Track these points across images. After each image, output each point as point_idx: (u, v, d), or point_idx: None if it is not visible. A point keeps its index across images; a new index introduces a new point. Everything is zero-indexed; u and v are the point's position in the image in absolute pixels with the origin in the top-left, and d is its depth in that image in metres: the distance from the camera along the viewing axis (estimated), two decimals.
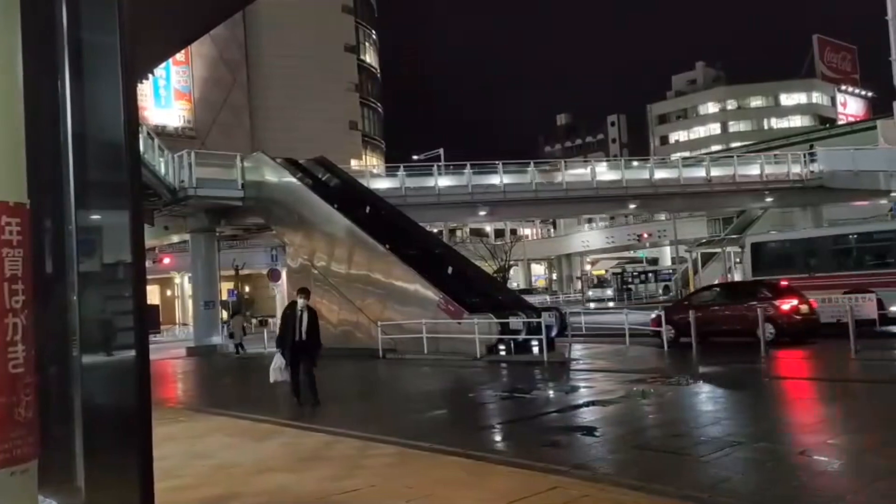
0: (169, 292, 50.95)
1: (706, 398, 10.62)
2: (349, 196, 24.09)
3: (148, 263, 41.19)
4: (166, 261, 40.97)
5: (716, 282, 30.08)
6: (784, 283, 17.62)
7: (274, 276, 29.17)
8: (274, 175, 24.93)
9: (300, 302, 10.74)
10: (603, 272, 66.15)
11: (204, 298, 27.02)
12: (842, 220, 35.74)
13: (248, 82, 59.05)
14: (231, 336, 24.64)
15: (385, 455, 7.11)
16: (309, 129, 54.72)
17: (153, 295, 49.45)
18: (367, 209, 23.41)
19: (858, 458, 6.51)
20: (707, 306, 17.61)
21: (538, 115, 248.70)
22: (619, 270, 58.12)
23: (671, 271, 52.27)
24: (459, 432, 8.78)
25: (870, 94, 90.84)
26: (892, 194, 33.41)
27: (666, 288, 42.24)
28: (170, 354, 25.70)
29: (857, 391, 10.52)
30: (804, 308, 16.38)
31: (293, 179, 24.00)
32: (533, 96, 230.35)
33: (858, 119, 78.17)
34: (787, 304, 16.50)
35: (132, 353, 3.70)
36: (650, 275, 55.26)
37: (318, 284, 22.10)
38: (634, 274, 56.26)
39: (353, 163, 53.48)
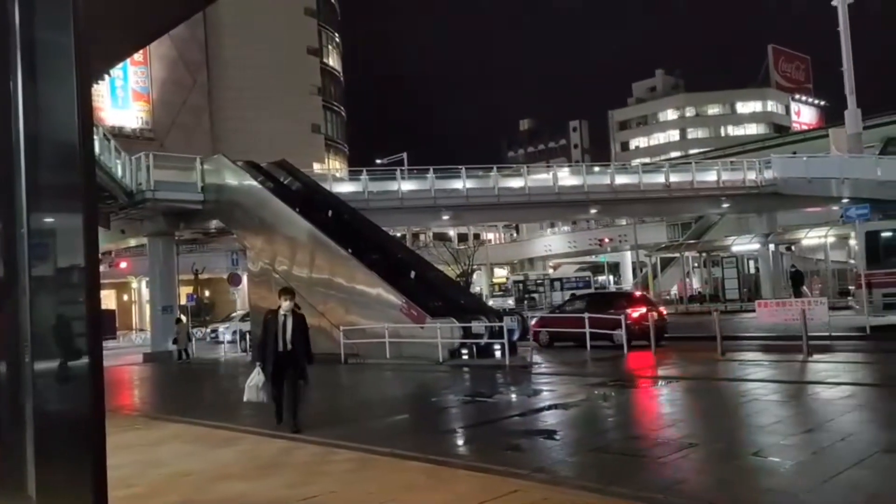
0: (125, 297, 49.91)
1: (665, 399, 10.81)
2: (311, 200, 23.91)
3: (104, 267, 40.52)
4: (123, 265, 40.14)
5: (611, 289, 30.50)
6: (638, 293, 20.04)
7: (234, 280, 28.74)
8: (234, 178, 24.61)
9: (284, 305, 9.09)
10: (504, 280, 65.87)
11: (162, 303, 26.53)
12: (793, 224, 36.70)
13: (209, 84, 58.25)
14: (175, 342, 24.40)
15: (345, 461, 7.07)
16: (271, 132, 54.18)
17: (109, 300, 48.42)
18: (330, 213, 23.26)
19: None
20: (576, 313, 19.06)
21: (501, 120, 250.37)
22: (520, 278, 58.09)
23: (577, 280, 51.69)
24: (421, 437, 8.78)
25: (822, 102, 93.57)
26: (844, 201, 34.33)
27: (572, 296, 41.02)
28: (126, 361, 25.18)
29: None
30: (654, 315, 17.84)
31: (254, 183, 23.72)
32: (496, 101, 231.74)
33: (811, 127, 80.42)
34: (636, 313, 18.59)
35: (85, 359, 3.63)
36: (556, 283, 54.08)
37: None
38: (538, 282, 55.97)
39: (316, 166, 53.10)
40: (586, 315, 18.25)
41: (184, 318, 26.06)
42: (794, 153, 43.28)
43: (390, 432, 9.02)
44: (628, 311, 18.65)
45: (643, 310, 18.68)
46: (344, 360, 18.92)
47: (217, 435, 9.03)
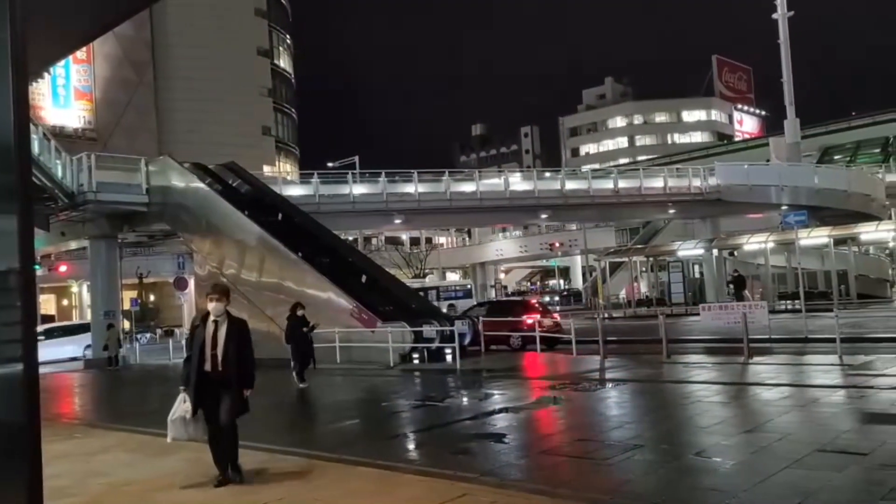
0: (66, 302, 48.32)
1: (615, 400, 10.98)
2: (261, 203, 23.60)
3: (43, 271, 39.11)
4: (63, 268, 38.83)
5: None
6: (534, 300, 21.68)
7: (180, 284, 28.11)
8: (181, 180, 24.11)
9: (213, 308, 6.66)
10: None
11: (104, 308, 25.78)
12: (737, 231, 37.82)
13: (155, 84, 56.93)
14: (105, 348, 23.78)
15: (293, 468, 6.98)
16: (220, 134, 53.24)
17: (48, 305, 46.83)
18: (280, 216, 22.99)
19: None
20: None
21: (454, 124, 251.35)
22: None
23: (457, 288, 50.28)
24: (370, 442, 8.73)
25: (763, 112, 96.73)
26: (783, 207, 35.52)
27: (451, 306, 39.69)
28: (66, 367, 24.39)
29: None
30: (547, 322, 19.21)
31: (202, 185, 23.28)
32: (449, 106, 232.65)
33: (753, 136, 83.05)
34: (530, 319, 19.56)
35: (20, 365, 3.50)
36: (433, 291, 50.84)
37: None
38: (419, 291, 54.47)
39: (266, 169, 52.39)
40: (536, 319, 18.54)
41: (119, 323, 25.38)
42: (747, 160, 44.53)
43: (339, 438, 8.95)
44: (523, 317, 20.06)
45: (536, 317, 19.95)
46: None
47: (160, 443, 8.77)
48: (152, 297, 45.79)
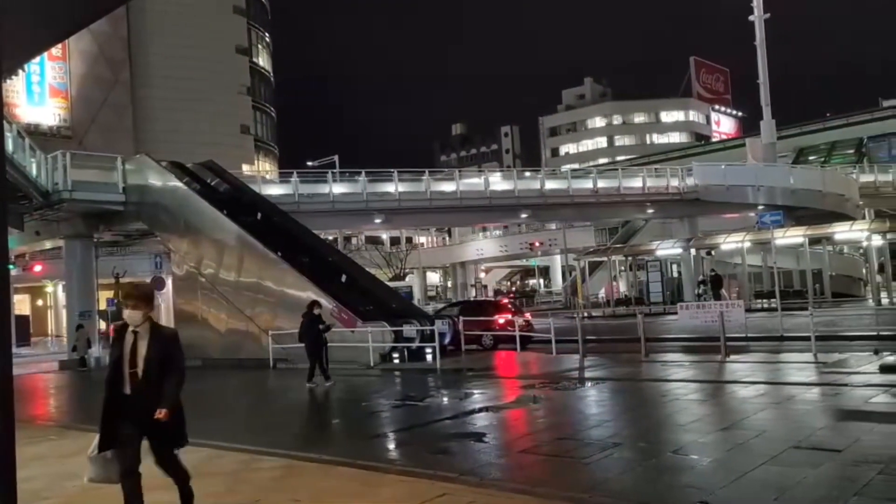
0: (41, 302, 47.56)
1: (594, 399, 11.04)
2: (240, 202, 23.42)
3: (17, 271, 38.46)
4: (38, 268, 38.21)
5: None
6: (505, 301, 20.95)
7: (158, 284, 27.73)
8: (158, 179, 23.86)
9: (130, 317, 5.20)
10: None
11: (79, 308, 25.43)
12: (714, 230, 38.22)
13: (132, 81, 56.21)
14: (74, 350, 23.50)
15: (271, 468, 6.94)
16: (198, 133, 52.71)
17: (23, 305, 46.07)
18: (259, 216, 22.84)
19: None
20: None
21: (434, 123, 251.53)
22: None
23: (404, 291, 49.58)
24: (350, 442, 8.71)
25: (740, 113, 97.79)
26: (759, 207, 35.92)
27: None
28: (41, 368, 24.04)
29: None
30: (520, 321, 19.24)
31: (179, 184, 23.06)
32: (428, 105, 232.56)
33: (730, 137, 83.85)
34: (502, 319, 20.13)
35: None
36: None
37: (206, 293, 21.37)
38: None
39: (245, 168, 51.97)
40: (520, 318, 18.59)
41: (96, 324, 25.06)
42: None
43: (319, 438, 8.92)
44: (495, 317, 20.41)
45: (508, 316, 20.33)
46: (273, 365, 18.60)
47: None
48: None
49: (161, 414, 5.08)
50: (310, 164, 45.56)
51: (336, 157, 44.05)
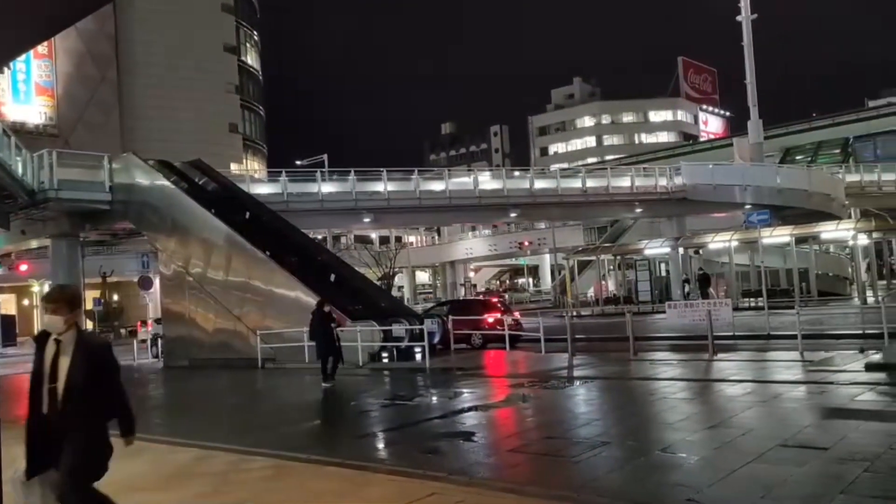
0: (27, 301, 47.17)
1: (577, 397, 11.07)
2: (228, 201, 23.30)
3: (3, 270, 38.17)
4: (23, 267, 37.88)
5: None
6: (494, 299, 22.18)
7: (145, 283, 27.57)
8: (146, 178, 23.70)
9: (49, 323, 4.49)
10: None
11: None
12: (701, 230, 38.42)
13: (119, 79, 55.85)
14: None
15: (260, 469, 6.92)
16: (185, 131, 52.44)
17: (9, 304, 45.71)
18: (247, 215, 22.73)
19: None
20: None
21: (423, 123, 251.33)
22: None
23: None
24: (339, 442, 8.69)
25: (727, 113, 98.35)
26: (747, 207, 36.12)
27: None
28: (27, 369, 23.78)
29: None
30: (508, 320, 19.32)
31: (167, 183, 22.92)
32: (419, 104, 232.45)
33: (718, 136, 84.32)
34: (491, 318, 20.23)
35: None
36: None
37: (194, 292, 21.25)
38: None
39: (234, 167, 51.75)
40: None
41: (83, 324, 24.81)
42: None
43: (308, 438, 8.90)
44: (484, 316, 20.50)
45: (497, 315, 20.42)
46: (261, 364, 18.54)
47: (122, 444, 8.65)
48: (116, 297, 44.95)
49: (130, 442, 4.68)
50: (298, 163, 45.41)
51: (325, 157, 43.92)
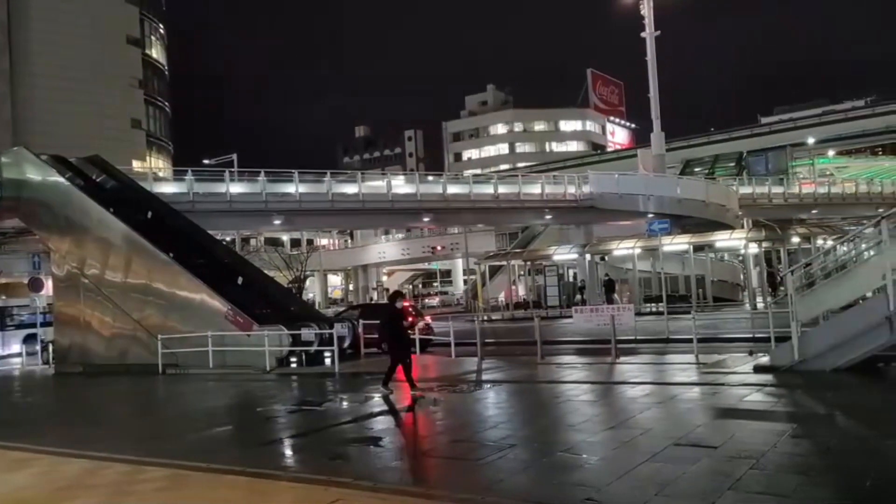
0: None
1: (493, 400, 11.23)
2: (128, 200, 22.31)
3: None
4: None
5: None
6: (407, 303, 22.56)
7: (36, 285, 25.99)
8: (38, 174, 22.36)
9: None
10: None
11: None
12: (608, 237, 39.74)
13: (12, 70, 52.43)
14: None
15: (157, 479, 6.63)
16: (84, 126, 49.80)
17: None
18: (149, 214, 21.84)
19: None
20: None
21: (337, 126, 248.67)
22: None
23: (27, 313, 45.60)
24: (243, 449, 8.44)
25: (633, 125, 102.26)
26: (649, 215, 37.68)
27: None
28: None
29: None
30: (420, 325, 19.03)
31: (61, 179, 21.71)
32: (333, 106, 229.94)
33: (624, 147, 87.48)
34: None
35: None
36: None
37: (89, 294, 20.23)
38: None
39: (136, 164, 49.58)
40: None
41: None
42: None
43: (209, 446, 8.59)
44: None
45: (410, 319, 20.09)
46: (162, 370, 17.84)
47: (8, 456, 8.13)
48: (3, 299, 42.15)
49: None
50: (206, 162, 44.04)
51: (234, 156, 42.81)
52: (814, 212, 51.44)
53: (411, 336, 18.57)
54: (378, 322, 18.77)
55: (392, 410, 10.63)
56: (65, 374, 20.18)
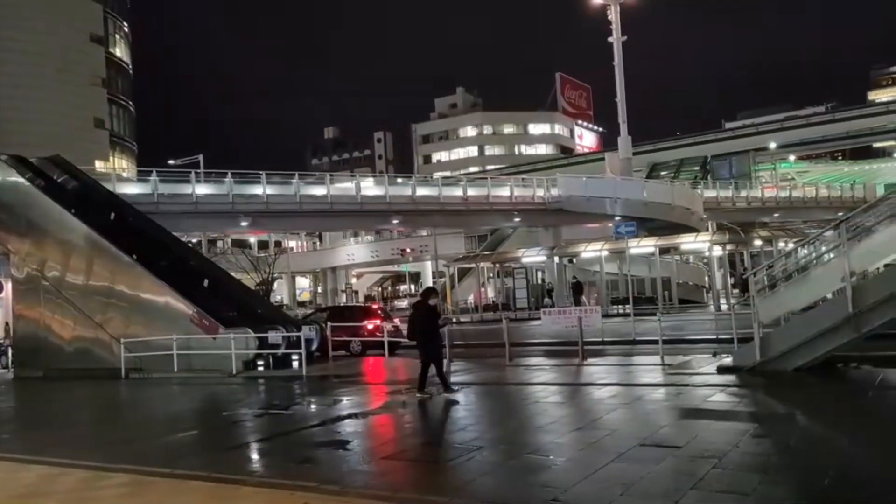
0: None
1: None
2: (90, 201, 21.85)
3: None
4: None
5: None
6: (375, 306, 22.19)
7: None
8: None
9: None
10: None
11: None
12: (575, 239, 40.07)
13: None
14: None
15: (118, 486, 6.50)
16: (45, 125, 48.71)
17: None
18: (112, 216, 21.43)
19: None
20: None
21: (306, 126, 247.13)
22: None
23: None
24: (208, 454, 8.32)
25: (601, 129, 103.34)
26: (616, 218, 38.08)
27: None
28: None
29: None
30: (389, 327, 19.38)
31: (21, 180, 21.22)
32: (302, 107, 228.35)
33: (592, 150, 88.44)
34: (370, 325, 20.32)
35: None
36: None
37: (50, 297, 19.79)
38: None
39: (99, 164, 48.68)
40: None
41: None
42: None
43: (173, 451, 8.46)
44: (363, 322, 20.46)
45: (377, 322, 20.45)
46: (125, 374, 17.52)
47: None
48: None
49: None
50: (171, 162, 43.40)
51: (200, 157, 42.25)
52: (776, 215, 52.53)
53: (366, 339, 18.77)
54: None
55: (360, 413, 10.56)
56: (24, 379, 19.72)
